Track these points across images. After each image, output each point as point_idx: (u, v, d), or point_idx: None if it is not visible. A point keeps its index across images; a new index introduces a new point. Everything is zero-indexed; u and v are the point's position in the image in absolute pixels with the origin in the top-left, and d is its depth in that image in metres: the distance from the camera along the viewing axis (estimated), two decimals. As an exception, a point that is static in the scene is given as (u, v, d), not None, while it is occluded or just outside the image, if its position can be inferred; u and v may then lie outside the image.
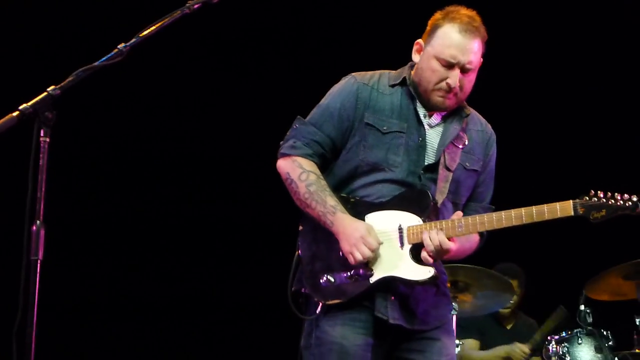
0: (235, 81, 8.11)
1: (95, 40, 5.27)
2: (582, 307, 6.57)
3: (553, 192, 4.07)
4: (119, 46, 3.44)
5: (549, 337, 6.71)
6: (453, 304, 6.43)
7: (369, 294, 4.00)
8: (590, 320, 6.54)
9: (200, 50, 7.99)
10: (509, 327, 7.71)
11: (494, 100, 5.45)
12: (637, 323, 6.41)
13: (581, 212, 3.86)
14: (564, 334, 6.58)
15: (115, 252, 8.10)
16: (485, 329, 7.56)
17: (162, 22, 3.57)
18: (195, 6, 3.63)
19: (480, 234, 4.18)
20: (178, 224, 8.26)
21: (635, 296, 6.55)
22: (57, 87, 3.29)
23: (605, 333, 6.51)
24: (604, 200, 3.87)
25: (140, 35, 3.50)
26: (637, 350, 6.52)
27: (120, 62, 3.40)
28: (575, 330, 6.55)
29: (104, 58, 3.43)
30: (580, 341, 6.50)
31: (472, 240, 4.20)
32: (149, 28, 3.53)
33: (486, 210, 4.23)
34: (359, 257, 3.93)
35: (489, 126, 4.33)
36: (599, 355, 6.45)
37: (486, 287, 6.80)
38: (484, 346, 7.50)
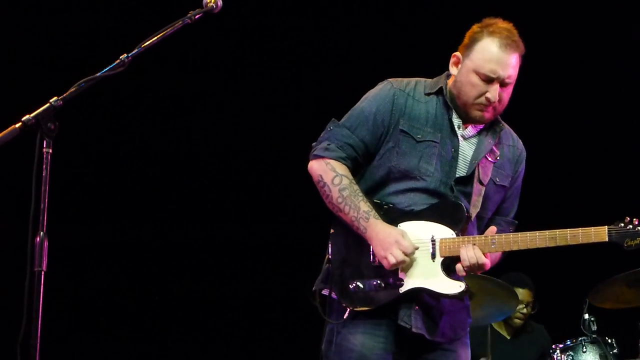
0: (239, 85, 8.11)
1: (97, 50, 5.29)
2: (586, 316, 6.57)
3: (578, 215, 4.13)
4: (121, 57, 3.45)
5: (553, 346, 6.68)
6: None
7: (394, 304, 4.01)
8: (594, 328, 6.54)
9: (202, 59, 8.00)
10: (510, 337, 7.61)
11: (527, 116, 5.46)
12: (642, 330, 6.41)
13: (615, 239, 3.87)
14: (568, 342, 6.56)
15: (120, 262, 8.08)
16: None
17: (163, 33, 3.59)
18: (197, 16, 3.65)
19: None
20: (182, 232, 8.24)
21: (639, 304, 6.54)
22: (59, 98, 3.30)
23: (609, 341, 6.50)
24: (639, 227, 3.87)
25: (143, 45, 3.51)
26: (641, 358, 6.53)
27: (122, 73, 3.42)
28: (579, 339, 6.55)
29: (106, 69, 3.44)
30: (584, 349, 6.49)
31: (497, 255, 4.17)
32: (150, 38, 3.54)
33: (509, 225, 4.27)
34: (393, 260, 3.92)
35: (520, 142, 4.33)
36: (603, 363, 6.45)
37: (491, 296, 6.80)
38: None
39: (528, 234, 3.97)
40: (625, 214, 3.92)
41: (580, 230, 3.90)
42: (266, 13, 7.97)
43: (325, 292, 4.12)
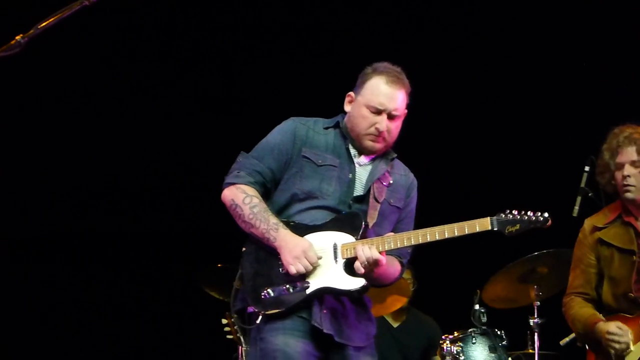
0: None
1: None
2: (476, 307, 6.63)
3: (471, 212, 4.46)
4: (17, 38, 3.36)
5: (443, 337, 6.73)
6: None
7: (306, 306, 4.38)
8: (484, 319, 6.60)
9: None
10: (396, 325, 7.65)
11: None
12: (531, 323, 6.48)
13: (498, 227, 4.35)
14: (458, 334, 6.62)
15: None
16: None
17: (61, 14, 3.51)
18: (95, -1, 3.56)
19: (401, 263, 4.63)
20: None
21: (529, 301, 6.63)
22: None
23: (499, 333, 6.57)
24: (518, 216, 4.36)
25: (39, 26, 3.42)
26: (530, 350, 6.61)
27: (18, 55, 3.32)
28: (469, 330, 6.60)
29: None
30: (474, 341, 6.55)
31: (395, 266, 4.61)
32: (48, 19, 3.45)
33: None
34: (300, 268, 4.34)
35: (411, 173, 4.78)
36: (492, 355, 6.51)
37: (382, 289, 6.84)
38: None
39: (420, 231, 4.44)
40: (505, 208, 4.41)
41: (465, 223, 4.37)
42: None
43: (239, 306, 4.49)
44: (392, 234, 4.47)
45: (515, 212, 4.36)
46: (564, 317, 5.60)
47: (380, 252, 4.36)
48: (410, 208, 4.71)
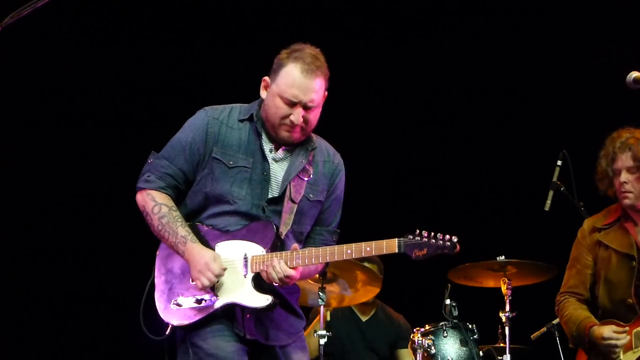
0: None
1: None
2: (447, 301, 6.63)
3: (386, 229, 4.36)
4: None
5: (415, 330, 6.73)
6: (320, 294, 6.58)
7: (229, 311, 4.31)
8: (455, 313, 6.60)
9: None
10: (364, 319, 7.64)
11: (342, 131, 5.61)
12: (502, 317, 6.49)
13: (405, 250, 4.16)
14: (429, 327, 6.61)
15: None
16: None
17: (36, 2, 3.46)
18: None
19: None
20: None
21: (499, 285, 6.63)
22: None
23: (470, 326, 6.57)
24: (426, 239, 4.16)
25: (14, 15, 3.39)
26: (501, 344, 6.62)
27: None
28: (440, 323, 6.59)
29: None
30: (445, 334, 6.54)
31: (316, 267, 4.49)
32: (23, 8, 3.41)
33: (331, 234, 4.59)
34: (205, 282, 4.24)
35: (338, 155, 4.62)
36: (464, 348, 6.50)
37: (355, 279, 6.85)
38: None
39: (328, 248, 4.29)
40: (419, 227, 4.21)
41: (373, 243, 4.19)
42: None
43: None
44: (297, 247, 4.32)
45: (425, 233, 4.16)
46: (556, 314, 5.66)
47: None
48: (335, 196, 4.57)
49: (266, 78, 4.40)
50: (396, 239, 4.17)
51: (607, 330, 5.26)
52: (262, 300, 4.27)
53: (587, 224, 5.57)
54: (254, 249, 4.31)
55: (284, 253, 4.27)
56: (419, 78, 8.30)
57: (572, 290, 5.53)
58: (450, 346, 6.54)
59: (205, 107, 4.50)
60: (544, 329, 6.66)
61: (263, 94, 4.41)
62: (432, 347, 6.50)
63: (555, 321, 6.50)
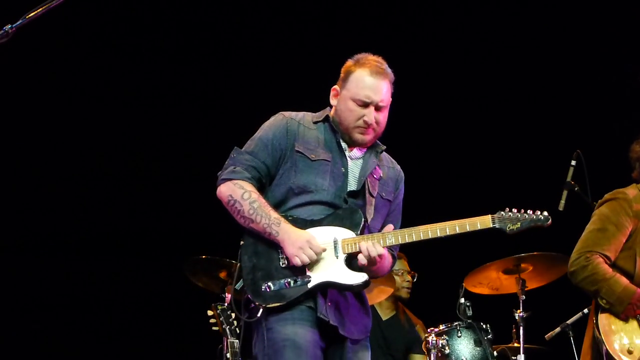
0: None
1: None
2: (462, 300, 6.63)
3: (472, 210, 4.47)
4: (4, 27, 3.34)
5: (429, 330, 6.74)
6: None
7: (312, 297, 4.39)
8: (469, 313, 6.60)
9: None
10: (385, 319, 7.66)
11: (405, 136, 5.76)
12: (516, 317, 6.50)
13: (499, 225, 4.37)
14: (443, 327, 6.62)
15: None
16: None
17: (49, 4, 3.47)
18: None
19: (392, 255, 4.62)
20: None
21: (514, 290, 6.66)
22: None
23: (484, 326, 6.57)
24: (519, 214, 4.39)
25: (28, 16, 3.41)
26: (515, 344, 6.63)
27: (5, 44, 3.30)
28: (455, 323, 6.60)
29: (-12, 38, 3.33)
30: (459, 334, 6.55)
31: (389, 261, 4.60)
32: (36, 9, 3.43)
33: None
34: (305, 258, 4.34)
35: (398, 165, 4.81)
36: (478, 348, 6.51)
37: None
38: None
39: (421, 227, 4.41)
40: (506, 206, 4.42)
41: (467, 220, 4.38)
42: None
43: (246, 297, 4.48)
44: (391, 228, 4.48)
45: (515, 210, 4.38)
46: (576, 274, 5.42)
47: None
48: (398, 200, 4.74)
49: (335, 87, 4.63)
50: (489, 215, 4.37)
51: None
52: (358, 277, 4.38)
53: (632, 191, 5.47)
54: (344, 233, 4.43)
55: (374, 235, 4.43)
56: (435, 81, 8.32)
57: (603, 252, 5.39)
58: (464, 346, 6.55)
59: (281, 112, 4.69)
60: (559, 328, 6.64)
61: (333, 101, 4.63)
62: (446, 347, 6.51)
63: (569, 321, 6.51)
